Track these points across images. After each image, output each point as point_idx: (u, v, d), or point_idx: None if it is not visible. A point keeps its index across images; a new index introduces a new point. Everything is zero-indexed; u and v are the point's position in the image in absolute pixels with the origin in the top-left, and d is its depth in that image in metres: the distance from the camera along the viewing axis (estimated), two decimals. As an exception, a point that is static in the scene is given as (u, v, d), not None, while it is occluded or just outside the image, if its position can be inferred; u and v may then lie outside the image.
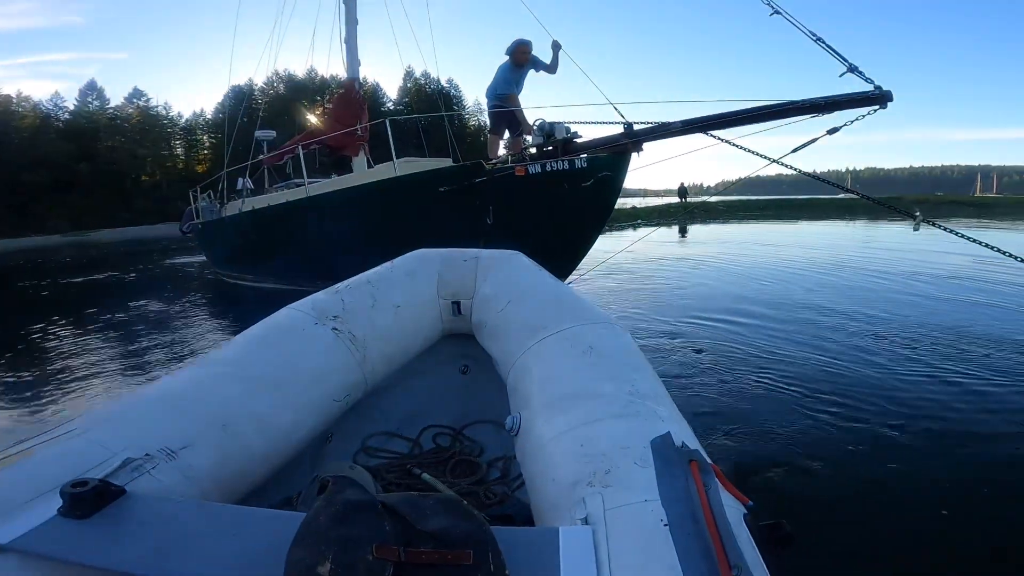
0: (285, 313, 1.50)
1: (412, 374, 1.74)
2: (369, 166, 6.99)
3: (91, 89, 42.02)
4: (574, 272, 5.28)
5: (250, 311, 1.59)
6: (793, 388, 2.83)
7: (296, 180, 7.57)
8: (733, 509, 0.73)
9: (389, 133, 5.25)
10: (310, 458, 1.44)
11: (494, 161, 5.12)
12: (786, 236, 13.07)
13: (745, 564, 0.62)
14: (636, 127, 4.30)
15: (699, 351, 3.53)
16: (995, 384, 2.87)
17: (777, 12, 3.34)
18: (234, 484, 1.07)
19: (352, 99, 7.23)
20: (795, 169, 3.64)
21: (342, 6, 7.14)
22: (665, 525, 0.69)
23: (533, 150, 4.94)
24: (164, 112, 44.25)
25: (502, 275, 1.67)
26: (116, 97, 43.07)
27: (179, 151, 45.39)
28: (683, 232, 13.98)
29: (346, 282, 1.64)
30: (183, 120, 45.36)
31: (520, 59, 5.25)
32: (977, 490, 1.93)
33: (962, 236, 2.69)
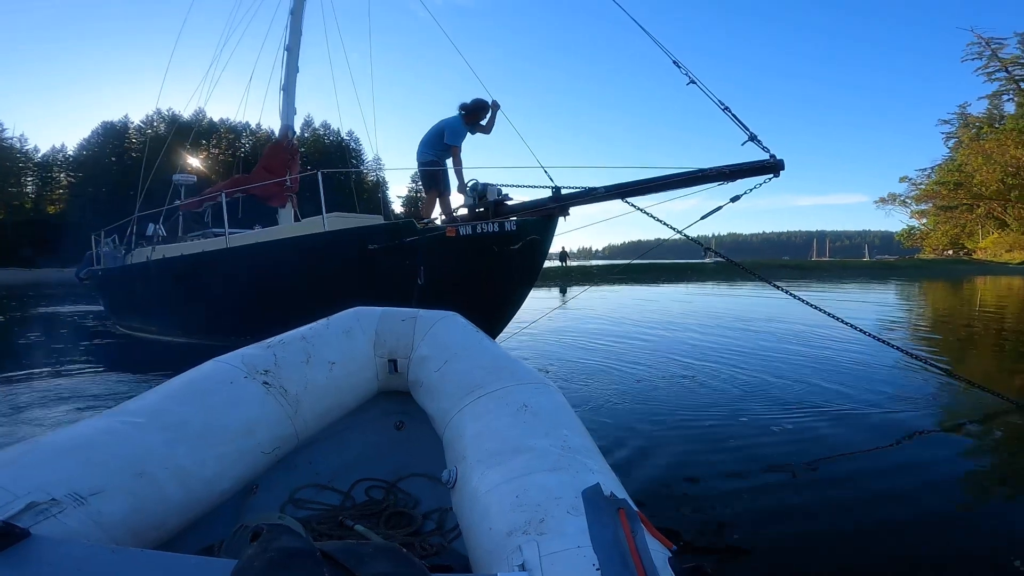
0: (211, 366, 1.47)
1: (346, 428, 1.74)
2: (296, 219, 6.72)
3: (-62, 115, 36.50)
4: (503, 331, 5.38)
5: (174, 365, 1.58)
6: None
7: (215, 229, 7.06)
8: (659, 553, 0.79)
9: (320, 186, 5.13)
10: (233, 508, 1.42)
11: (425, 221, 5.16)
12: (638, 293, 14.78)
13: None
14: (563, 191, 4.57)
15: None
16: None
17: (693, 82, 3.81)
18: (149, 532, 1.05)
19: (284, 148, 6.99)
20: (687, 236, 4.17)
21: (284, 54, 7.02)
22: (597, 569, 0.74)
23: (465, 211, 5.05)
24: (18, 145, 39.24)
25: (439, 335, 1.72)
26: (-35, 126, 37.66)
27: (29, 188, 40.16)
28: (563, 292, 15.50)
29: (279, 337, 1.65)
30: (39, 155, 40.45)
31: (473, 120, 5.27)
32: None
33: (736, 264, 4.27)
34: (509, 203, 4.87)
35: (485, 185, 4.88)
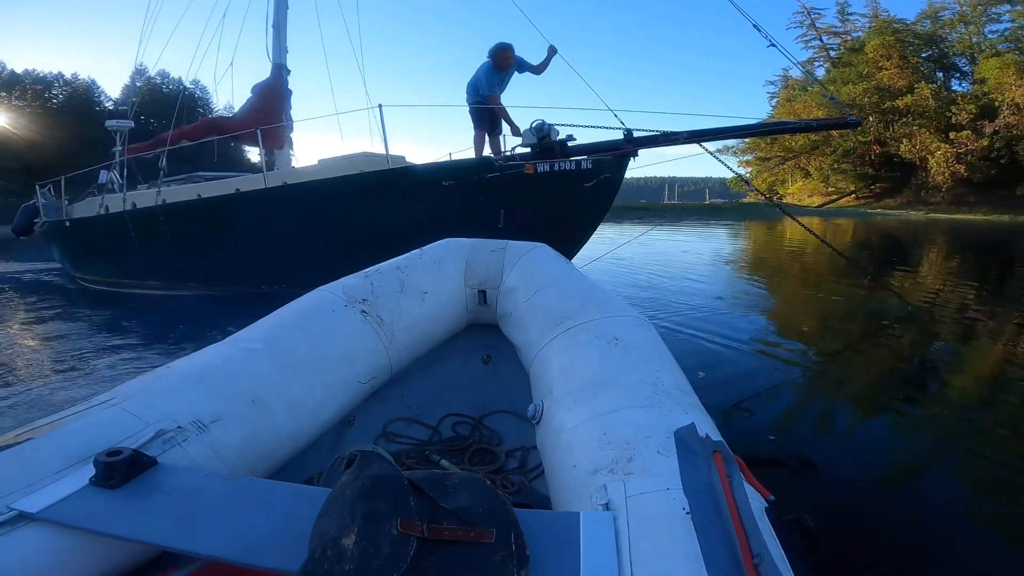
0: (316, 294, 1.52)
1: (435, 361, 1.74)
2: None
3: None
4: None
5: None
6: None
7: (202, 173, 6.32)
8: (755, 502, 0.74)
9: (382, 121, 4.95)
10: (332, 440, 1.43)
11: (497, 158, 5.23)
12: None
13: (768, 553, 0.63)
14: (636, 134, 4.87)
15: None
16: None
17: (773, 45, 4.30)
18: (260, 461, 1.09)
19: (278, 88, 6.38)
20: (745, 180, 4.93)
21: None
22: (687, 513, 0.70)
23: (527, 149, 5.15)
24: None
25: (529, 266, 1.70)
26: None
27: None
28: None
29: (376, 267, 1.67)
30: None
31: (502, 64, 5.29)
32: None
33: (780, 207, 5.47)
34: (571, 144, 5.05)
35: (550, 126, 5.02)
